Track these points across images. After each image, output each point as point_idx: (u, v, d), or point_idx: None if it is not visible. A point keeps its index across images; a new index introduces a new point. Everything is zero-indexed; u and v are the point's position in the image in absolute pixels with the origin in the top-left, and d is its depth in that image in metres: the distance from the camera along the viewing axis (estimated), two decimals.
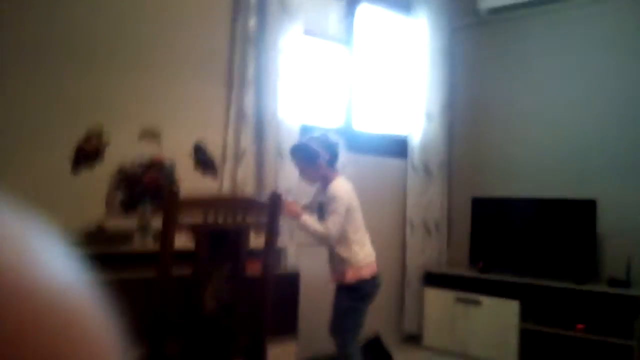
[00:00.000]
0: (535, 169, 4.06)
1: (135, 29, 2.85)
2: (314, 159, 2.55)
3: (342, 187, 2.55)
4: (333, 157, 2.60)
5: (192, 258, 1.90)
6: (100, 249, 2.25)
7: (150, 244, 2.35)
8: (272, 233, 2.06)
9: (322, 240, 2.52)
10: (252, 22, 3.17)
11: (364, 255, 2.56)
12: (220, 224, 1.91)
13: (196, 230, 1.87)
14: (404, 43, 4.34)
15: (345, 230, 2.52)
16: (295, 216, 2.50)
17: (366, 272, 2.54)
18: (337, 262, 2.57)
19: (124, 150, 2.78)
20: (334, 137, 2.64)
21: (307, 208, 2.66)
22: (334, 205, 2.47)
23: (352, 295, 2.54)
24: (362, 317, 2.58)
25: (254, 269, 2.11)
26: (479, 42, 4.45)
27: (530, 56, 4.14)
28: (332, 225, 2.45)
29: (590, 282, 3.51)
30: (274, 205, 2.04)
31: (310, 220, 2.49)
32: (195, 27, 3.07)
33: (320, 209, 2.59)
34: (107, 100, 2.75)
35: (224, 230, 1.95)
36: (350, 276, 2.52)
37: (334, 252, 2.56)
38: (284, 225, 2.62)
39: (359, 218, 2.60)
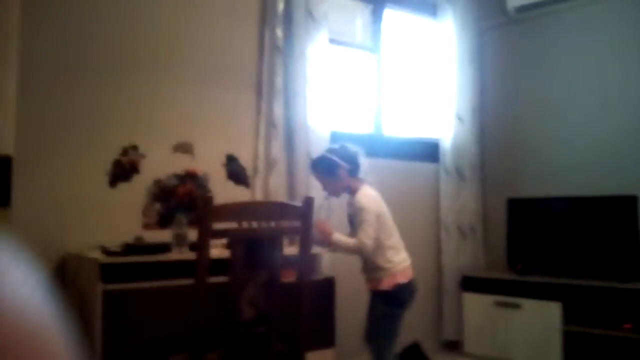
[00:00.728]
0: (570, 167, 3.97)
1: (165, 43, 2.92)
2: (334, 170, 2.53)
3: (367, 195, 2.51)
4: (354, 166, 2.56)
5: (227, 266, 1.92)
6: (139, 259, 2.29)
7: (186, 254, 2.38)
8: (306, 238, 2.07)
9: (358, 254, 2.50)
10: (280, 31, 3.21)
11: (399, 260, 2.53)
12: (255, 229, 1.93)
13: (231, 236, 1.90)
14: (431, 46, 4.32)
15: (378, 238, 2.49)
16: (327, 236, 2.46)
17: (402, 278, 2.50)
18: (372, 269, 2.54)
19: (159, 163, 2.85)
20: (353, 147, 2.61)
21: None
22: (363, 215, 2.45)
23: (388, 302, 2.50)
24: (397, 324, 2.54)
25: (288, 276, 2.12)
26: (507, 42, 4.40)
27: (561, 54, 4.07)
28: (365, 237, 2.43)
29: (635, 280, 3.41)
30: (308, 209, 2.05)
31: (341, 237, 2.47)
32: (224, 38, 3.13)
33: (351, 221, 2.57)
34: (141, 114, 2.82)
35: (259, 236, 1.96)
36: (386, 282, 2.49)
37: (369, 259, 2.54)
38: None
39: (390, 224, 2.58)
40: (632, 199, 3.49)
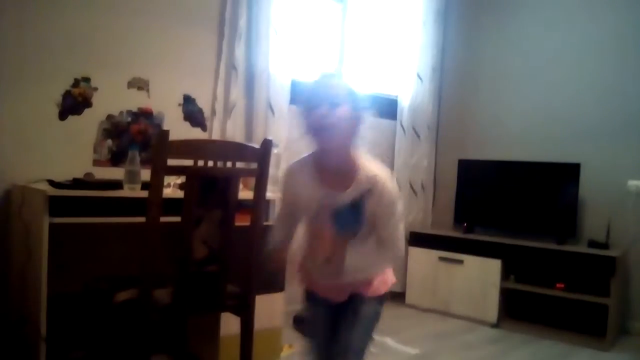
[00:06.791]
0: (521, 132, 4.10)
1: None
2: (361, 122, 1.52)
3: (389, 174, 1.57)
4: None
5: (180, 206, 1.89)
6: (88, 193, 2.23)
7: (138, 192, 2.33)
8: (262, 180, 2.06)
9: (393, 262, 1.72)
10: None
11: None
12: (211, 168, 1.90)
13: (186, 173, 1.87)
14: (398, 2, 4.29)
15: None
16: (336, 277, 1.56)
17: (390, 274, 1.75)
18: (362, 267, 1.59)
19: (112, 98, 2.75)
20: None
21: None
22: (394, 207, 1.53)
23: (381, 304, 1.71)
24: None
25: (242, 220, 2.11)
26: (473, 5, 4.42)
27: (524, 22, 4.13)
28: (401, 242, 1.59)
29: (571, 243, 3.60)
30: (266, 152, 2.04)
31: (358, 262, 1.54)
32: None
33: (356, 207, 1.51)
34: (96, 46, 2.69)
35: (215, 174, 1.94)
36: (381, 283, 1.69)
37: (363, 256, 1.56)
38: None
39: None
40: (575, 166, 3.65)
